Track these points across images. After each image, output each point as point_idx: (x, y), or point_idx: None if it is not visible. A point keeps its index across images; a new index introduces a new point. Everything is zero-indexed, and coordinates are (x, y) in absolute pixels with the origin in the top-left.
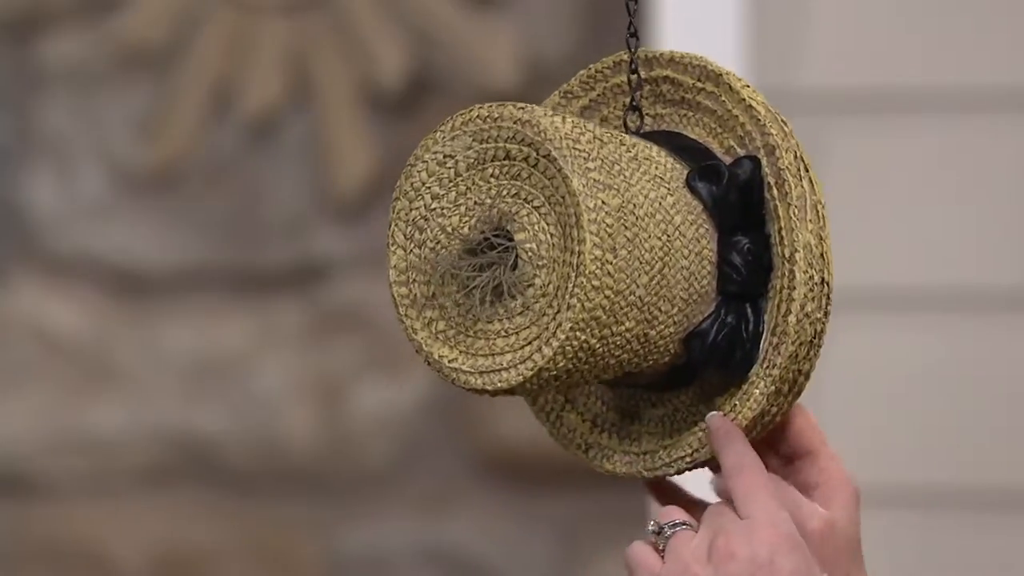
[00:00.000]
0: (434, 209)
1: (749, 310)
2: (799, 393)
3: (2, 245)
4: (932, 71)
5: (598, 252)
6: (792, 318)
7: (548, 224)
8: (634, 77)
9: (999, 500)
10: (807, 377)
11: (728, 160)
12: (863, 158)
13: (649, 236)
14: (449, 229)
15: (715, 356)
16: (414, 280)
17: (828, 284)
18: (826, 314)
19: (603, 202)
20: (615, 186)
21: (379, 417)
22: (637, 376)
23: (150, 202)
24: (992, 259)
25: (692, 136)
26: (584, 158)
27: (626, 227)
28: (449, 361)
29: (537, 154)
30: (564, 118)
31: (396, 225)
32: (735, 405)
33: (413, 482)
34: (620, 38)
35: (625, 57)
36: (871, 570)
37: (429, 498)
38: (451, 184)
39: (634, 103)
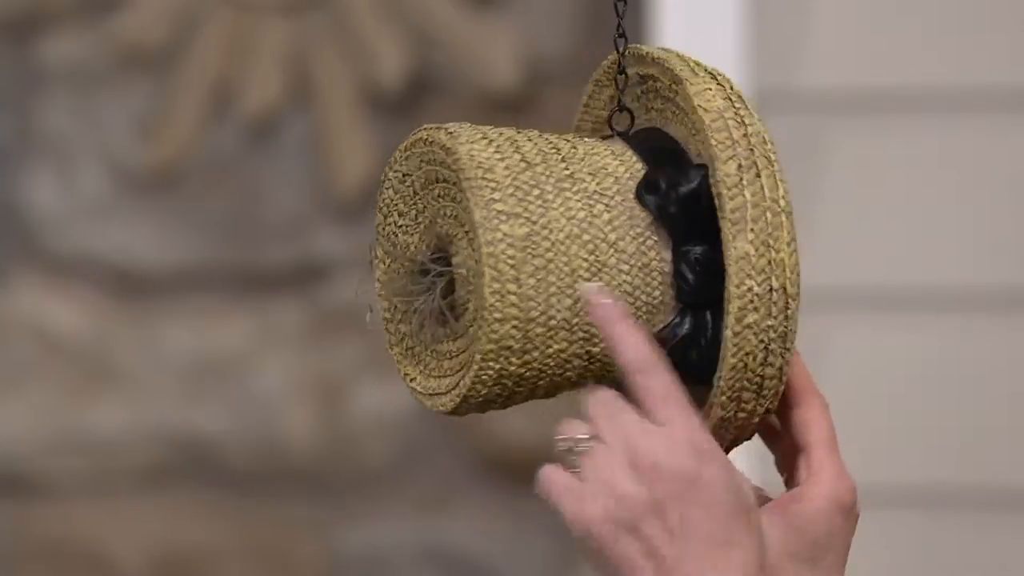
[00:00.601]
0: (401, 226)
1: (709, 318)
2: (775, 395)
3: (2, 245)
4: (932, 71)
5: (496, 285)
6: (728, 331)
7: (473, 250)
8: (621, 78)
9: (999, 500)
10: (779, 379)
11: (699, 162)
12: (863, 158)
13: (571, 259)
14: (411, 247)
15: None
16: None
17: (784, 290)
18: (787, 318)
19: (504, 234)
20: (525, 214)
21: (379, 417)
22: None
23: (150, 202)
24: (992, 259)
25: (673, 135)
26: (492, 188)
27: (535, 255)
28: (411, 380)
29: (458, 180)
30: (491, 142)
31: (378, 239)
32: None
33: (413, 482)
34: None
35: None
36: (872, 570)
37: (429, 498)
38: (412, 202)
39: (621, 104)
